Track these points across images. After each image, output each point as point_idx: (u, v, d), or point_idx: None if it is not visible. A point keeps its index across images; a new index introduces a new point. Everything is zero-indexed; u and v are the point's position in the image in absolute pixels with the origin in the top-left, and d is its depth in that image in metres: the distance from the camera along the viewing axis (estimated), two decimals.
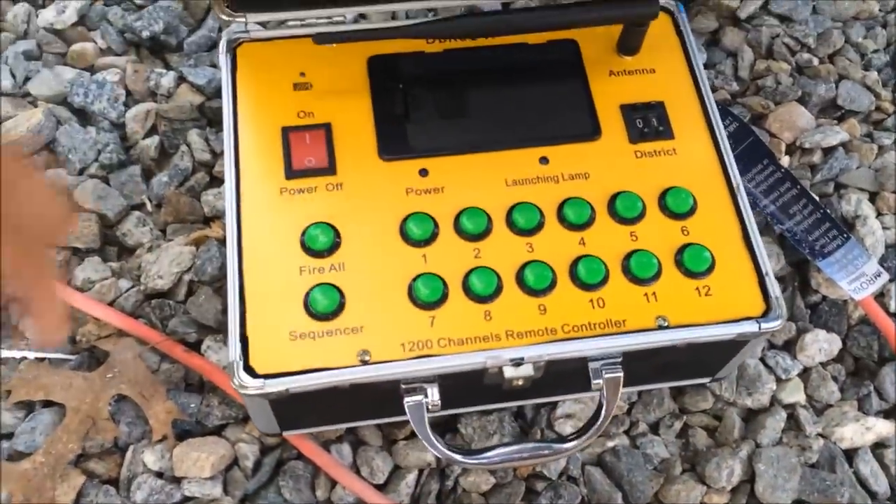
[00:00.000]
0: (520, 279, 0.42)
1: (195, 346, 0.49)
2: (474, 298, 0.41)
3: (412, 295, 0.41)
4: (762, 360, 0.51)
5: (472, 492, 0.47)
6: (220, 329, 0.49)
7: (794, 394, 0.51)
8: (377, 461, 0.47)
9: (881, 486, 0.49)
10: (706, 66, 0.61)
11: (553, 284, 0.42)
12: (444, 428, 0.48)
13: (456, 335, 0.40)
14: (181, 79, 0.58)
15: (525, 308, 0.41)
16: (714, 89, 0.60)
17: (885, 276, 0.52)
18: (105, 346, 0.48)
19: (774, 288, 0.42)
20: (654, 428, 0.50)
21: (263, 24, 0.48)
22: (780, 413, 0.50)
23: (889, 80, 0.62)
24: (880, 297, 0.53)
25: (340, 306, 0.41)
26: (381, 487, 0.47)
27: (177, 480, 0.46)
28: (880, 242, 0.54)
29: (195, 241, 0.52)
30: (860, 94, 0.60)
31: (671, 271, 0.42)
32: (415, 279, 0.41)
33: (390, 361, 0.40)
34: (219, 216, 0.53)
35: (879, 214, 0.56)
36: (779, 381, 0.51)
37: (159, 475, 0.46)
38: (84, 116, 0.57)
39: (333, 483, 0.47)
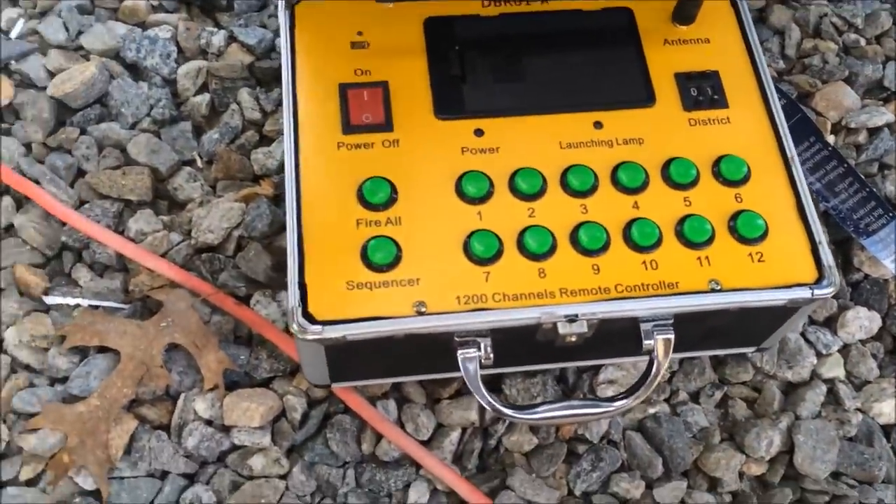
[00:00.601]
0: (574, 239, 0.42)
1: (244, 301, 0.50)
2: (529, 256, 0.42)
3: (467, 250, 0.42)
4: (803, 335, 0.52)
5: (514, 451, 0.48)
6: (270, 284, 0.50)
7: (834, 369, 0.51)
8: (422, 418, 0.47)
9: None
10: None
11: (606, 245, 0.42)
12: (488, 389, 0.49)
13: (510, 291, 0.41)
14: (231, 38, 0.58)
15: (579, 267, 0.42)
16: None
17: None
18: (158, 296, 0.49)
19: (827, 256, 0.42)
20: (695, 397, 0.50)
21: None
22: (820, 387, 0.50)
23: None
24: None
25: (397, 259, 0.41)
26: (425, 444, 0.47)
27: (226, 429, 0.47)
28: None
29: (245, 198, 0.52)
30: None
31: (724, 237, 0.43)
32: (470, 235, 0.42)
33: (446, 313, 0.40)
34: (268, 174, 0.54)
35: None
36: (819, 356, 0.51)
37: (209, 423, 0.47)
38: (136, 72, 0.57)
39: (379, 437, 0.47)
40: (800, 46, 0.61)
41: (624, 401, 0.41)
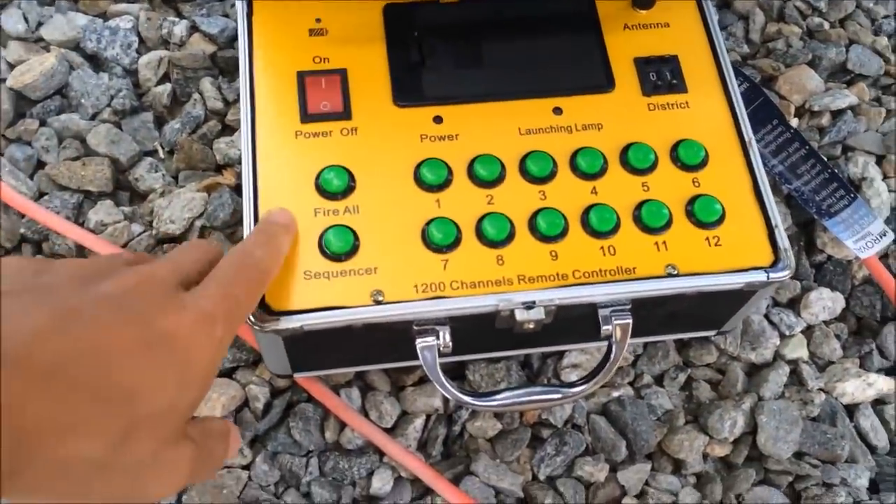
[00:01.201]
0: (532, 226, 0.42)
1: None
2: (487, 243, 0.42)
3: (426, 238, 0.41)
4: (766, 316, 0.52)
5: (478, 437, 0.48)
6: None
7: (797, 350, 0.51)
8: (386, 405, 0.47)
9: (881, 440, 0.50)
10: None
11: (565, 232, 0.42)
12: (452, 375, 0.49)
13: (468, 278, 0.41)
14: (194, 28, 0.58)
15: (537, 254, 0.42)
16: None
17: (891, 236, 0.53)
18: None
19: (783, 240, 0.42)
20: (659, 380, 0.51)
21: None
22: (783, 368, 0.51)
23: None
24: (884, 257, 0.54)
25: (354, 248, 0.41)
26: (389, 431, 0.47)
27: None
28: (886, 204, 0.55)
29: (207, 188, 0.52)
30: (870, 58, 0.60)
31: (682, 221, 0.43)
32: (428, 223, 0.42)
33: (403, 302, 0.40)
34: (231, 164, 0.53)
35: (886, 177, 0.56)
36: (782, 337, 0.52)
37: None
38: (97, 62, 0.57)
39: (342, 426, 0.47)
40: (764, 31, 0.61)
41: (583, 386, 0.42)
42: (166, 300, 0.29)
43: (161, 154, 0.54)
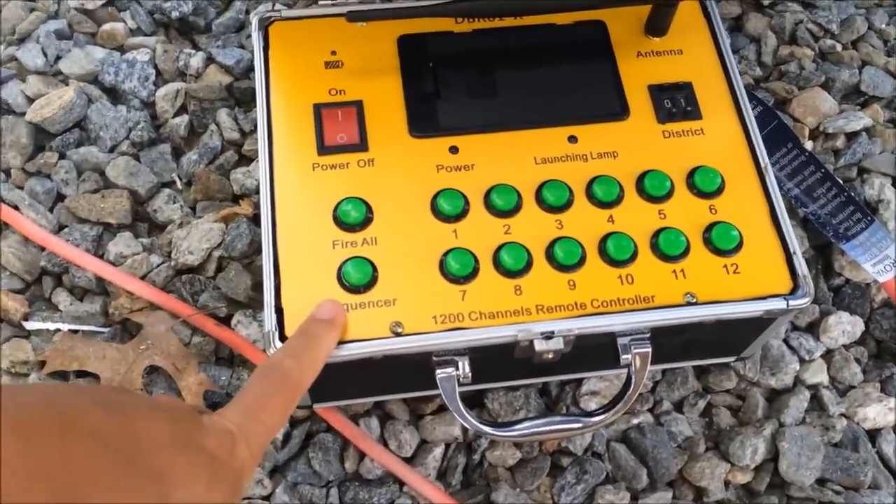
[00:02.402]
0: (549, 255, 0.42)
1: (225, 321, 0.50)
2: (504, 273, 0.42)
3: (443, 269, 0.42)
4: (786, 341, 0.52)
5: (498, 466, 0.48)
6: (251, 304, 0.50)
7: (818, 374, 0.51)
8: (405, 435, 0.47)
9: None
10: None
11: (582, 260, 0.42)
12: (471, 403, 0.49)
13: (487, 308, 0.41)
14: (210, 59, 0.59)
15: (555, 283, 0.42)
16: None
17: None
18: (138, 318, 0.49)
19: (802, 266, 0.42)
20: (679, 406, 0.50)
21: (291, 3, 0.48)
22: (804, 393, 0.50)
23: None
24: None
25: (373, 279, 0.41)
26: (408, 461, 0.47)
27: None
28: None
29: (224, 219, 0.53)
30: (883, 80, 0.60)
31: (699, 249, 0.43)
32: (446, 254, 0.42)
33: (422, 333, 0.40)
34: (248, 194, 0.54)
35: None
36: (802, 361, 0.51)
37: None
38: (115, 95, 0.57)
39: (362, 455, 0.47)
40: (776, 53, 0.61)
41: (603, 416, 0.42)
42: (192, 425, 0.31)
43: (179, 185, 0.55)
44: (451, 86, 0.47)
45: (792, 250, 0.43)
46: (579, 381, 0.50)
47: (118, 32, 0.60)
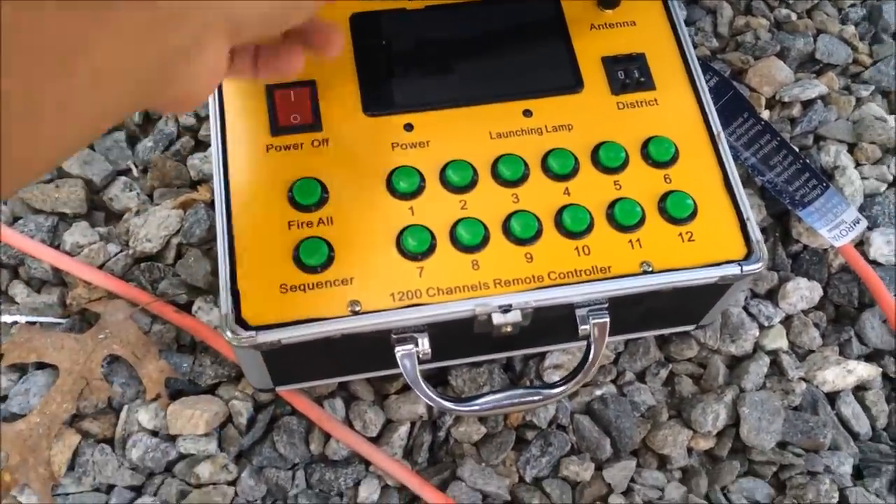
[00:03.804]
0: (506, 229, 0.42)
1: (186, 308, 0.50)
2: (462, 248, 0.42)
3: (400, 246, 0.42)
4: (745, 308, 0.52)
5: (463, 442, 0.48)
6: (211, 290, 0.50)
7: (777, 340, 0.52)
8: (370, 415, 0.47)
9: (863, 427, 0.50)
10: (686, 24, 0.61)
11: (539, 233, 0.42)
12: (435, 381, 0.49)
13: (444, 284, 0.41)
14: None
15: (512, 257, 0.42)
16: (694, 46, 0.60)
17: (864, 223, 0.53)
18: (96, 308, 0.48)
19: (755, 232, 0.43)
20: (641, 376, 0.51)
21: None
22: (764, 359, 0.51)
23: (866, 34, 0.63)
24: (859, 245, 0.55)
25: (329, 259, 0.41)
26: (374, 440, 0.47)
27: (171, 438, 0.46)
28: (859, 192, 0.55)
29: (182, 205, 0.52)
30: (838, 47, 0.61)
31: (655, 218, 0.43)
32: (402, 231, 0.42)
33: (381, 311, 0.40)
34: (205, 180, 0.53)
35: (858, 165, 0.57)
36: (761, 328, 0.52)
37: (154, 433, 0.47)
38: None
39: (327, 437, 0.47)
40: (732, 24, 0.62)
41: (563, 387, 0.42)
42: None
43: (135, 173, 0.54)
44: (404, 63, 0.47)
45: (745, 217, 0.43)
46: (543, 355, 0.50)
47: None
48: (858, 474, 0.49)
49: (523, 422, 0.48)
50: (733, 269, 0.42)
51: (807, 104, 0.59)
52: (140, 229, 0.51)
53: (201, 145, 0.55)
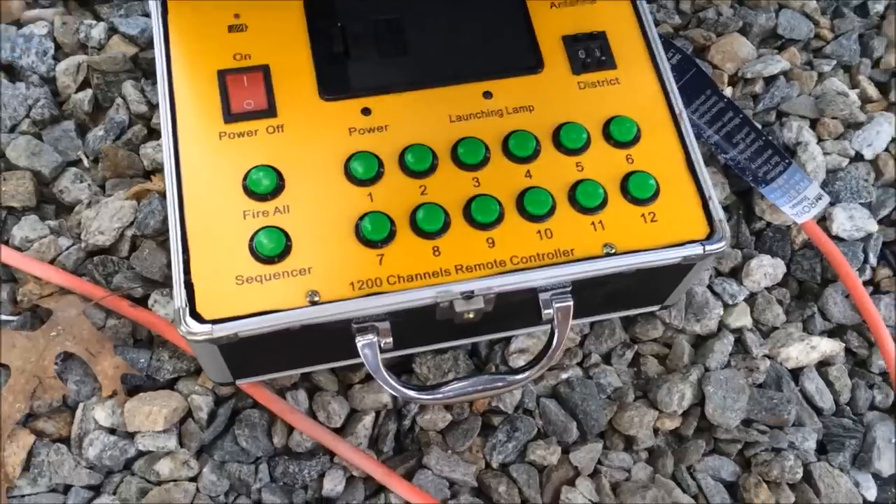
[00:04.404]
0: (467, 214, 0.42)
1: (142, 301, 0.48)
2: (422, 235, 0.41)
3: (359, 234, 0.41)
4: (710, 287, 0.52)
5: (429, 430, 0.47)
6: (167, 283, 0.49)
7: (741, 318, 0.52)
8: (333, 405, 0.47)
9: (826, 402, 0.51)
10: (649, 1, 0.61)
11: (500, 218, 0.42)
12: (400, 369, 0.49)
13: (405, 272, 0.40)
14: (112, 30, 0.56)
15: (473, 242, 0.41)
16: (657, 23, 0.60)
17: (826, 199, 0.53)
18: (47, 304, 0.47)
19: (718, 211, 0.42)
20: (607, 358, 0.51)
21: None
22: (728, 337, 0.51)
23: (827, 8, 0.62)
24: (822, 221, 0.55)
25: (287, 249, 0.40)
26: (338, 431, 0.47)
27: (130, 436, 0.45)
28: (821, 167, 0.55)
29: (136, 196, 0.51)
30: (799, 22, 0.61)
31: (617, 199, 0.43)
32: (361, 218, 0.41)
33: (340, 301, 0.39)
34: (159, 169, 0.52)
35: (820, 140, 0.57)
36: (726, 306, 0.52)
37: (111, 431, 0.45)
38: (12, 72, 0.55)
39: (290, 429, 0.46)
40: (694, 1, 0.61)
41: (527, 372, 0.41)
42: None
43: (86, 163, 0.52)
44: (360, 46, 0.46)
45: (707, 196, 0.43)
46: (508, 340, 0.49)
47: (13, 6, 0.57)
48: (822, 449, 0.50)
49: (489, 407, 0.48)
50: (696, 249, 0.42)
51: (769, 80, 0.59)
52: (92, 222, 0.49)
53: (154, 134, 0.53)
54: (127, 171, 0.52)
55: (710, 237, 0.42)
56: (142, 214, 0.50)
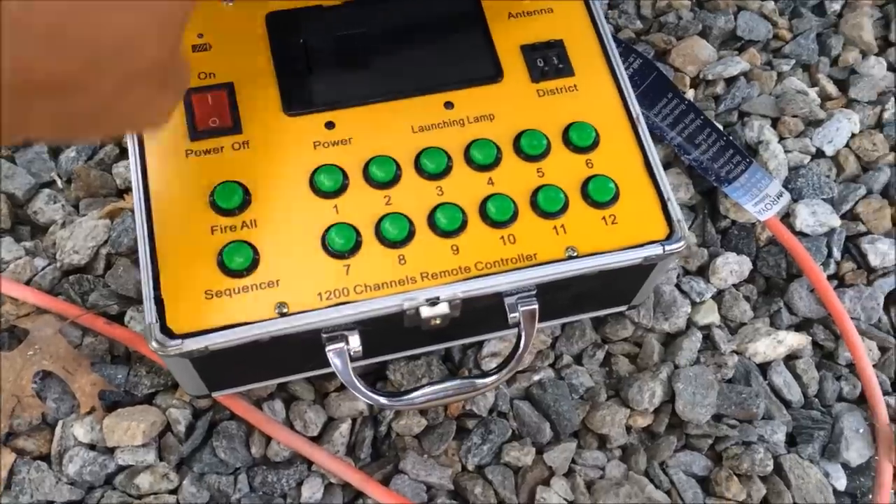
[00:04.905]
0: (431, 222, 0.42)
1: (118, 318, 0.49)
2: (387, 244, 0.42)
3: (326, 245, 0.42)
4: (677, 285, 0.53)
5: (405, 435, 0.48)
6: (142, 299, 0.49)
7: (709, 315, 0.53)
8: (310, 414, 0.47)
9: (794, 395, 0.52)
10: (610, 7, 0.62)
11: (464, 225, 0.42)
12: (375, 377, 0.49)
13: (372, 281, 0.41)
14: None
15: (438, 250, 0.42)
16: (618, 29, 0.61)
17: (788, 197, 0.55)
18: (24, 324, 0.47)
19: (676, 211, 0.43)
20: (578, 359, 0.52)
21: None
22: (696, 334, 0.52)
23: (785, 9, 0.64)
24: (786, 217, 0.56)
25: (254, 262, 0.41)
26: (315, 439, 0.47)
27: (109, 451, 0.46)
28: (783, 165, 0.57)
29: (109, 214, 0.51)
30: (758, 23, 0.62)
31: (578, 203, 0.44)
32: (327, 230, 0.42)
33: (308, 311, 0.40)
34: (131, 188, 0.53)
35: (781, 138, 0.58)
36: (693, 304, 0.53)
37: (91, 447, 0.46)
38: None
39: (268, 439, 0.47)
40: (655, 5, 0.62)
41: (496, 376, 0.42)
42: None
43: (59, 184, 0.53)
44: (322, 61, 0.47)
45: (666, 197, 0.44)
46: (481, 344, 0.50)
47: None
48: (792, 441, 0.51)
49: (464, 411, 0.49)
50: (656, 250, 0.43)
51: (730, 81, 0.60)
52: (67, 241, 0.50)
53: (125, 153, 0.54)
54: (100, 190, 0.53)
55: (669, 237, 0.43)
56: (115, 233, 0.50)
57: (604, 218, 0.43)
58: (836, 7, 0.63)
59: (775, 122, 0.59)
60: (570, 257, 0.42)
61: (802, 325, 0.54)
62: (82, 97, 0.27)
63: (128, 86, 0.28)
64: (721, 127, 0.57)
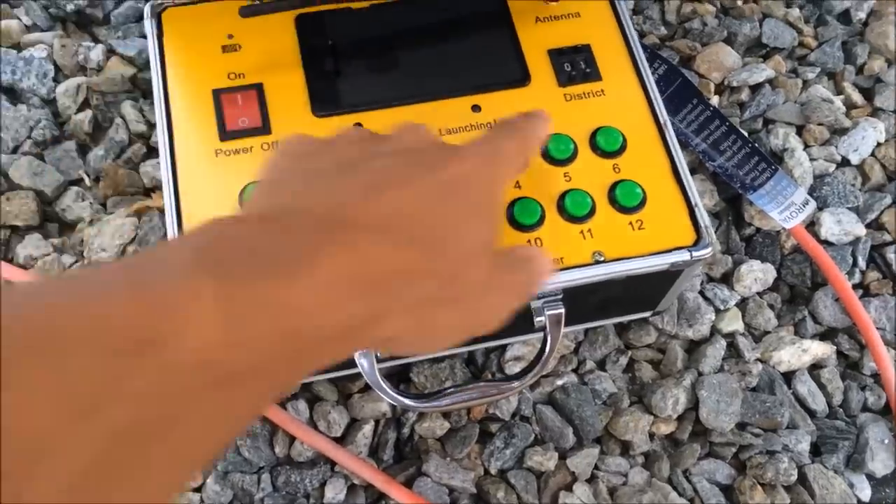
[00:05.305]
0: None
1: None
2: None
3: None
4: (701, 293, 0.53)
5: (427, 438, 0.48)
6: None
7: (733, 323, 0.52)
8: (333, 415, 0.48)
9: (819, 404, 0.51)
10: (634, 12, 0.62)
11: None
12: (398, 379, 0.49)
13: None
14: (111, 51, 0.57)
15: None
16: (643, 34, 0.61)
17: (813, 205, 0.54)
18: None
19: (704, 218, 0.43)
20: (601, 365, 0.51)
21: None
22: (721, 342, 0.52)
23: (811, 17, 0.63)
24: (811, 225, 0.56)
25: None
26: (339, 440, 0.47)
27: None
28: (808, 173, 0.56)
29: (136, 213, 0.52)
30: (783, 31, 0.62)
31: (605, 208, 0.44)
32: None
33: None
34: (159, 186, 0.53)
35: (806, 146, 0.58)
36: (717, 311, 0.53)
37: None
38: (13, 94, 0.56)
39: (292, 439, 0.47)
40: (679, 11, 0.62)
41: (521, 379, 0.42)
42: (444, 152, 0.33)
43: (87, 182, 0.54)
44: (351, 62, 0.47)
45: (693, 203, 0.44)
46: (504, 348, 0.50)
47: (13, 30, 0.58)
48: (816, 451, 0.50)
49: (486, 415, 0.49)
50: (683, 256, 0.42)
51: (755, 88, 0.60)
52: (94, 239, 0.50)
53: (153, 152, 0.54)
54: (127, 188, 0.53)
55: (696, 243, 0.43)
56: (143, 231, 0.51)
57: (631, 223, 0.43)
58: (862, 15, 0.63)
59: (800, 130, 0.59)
60: (597, 262, 0.42)
61: (827, 335, 0.54)
62: (424, 286, 0.29)
63: (458, 274, 0.30)
64: (746, 134, 0.57)
